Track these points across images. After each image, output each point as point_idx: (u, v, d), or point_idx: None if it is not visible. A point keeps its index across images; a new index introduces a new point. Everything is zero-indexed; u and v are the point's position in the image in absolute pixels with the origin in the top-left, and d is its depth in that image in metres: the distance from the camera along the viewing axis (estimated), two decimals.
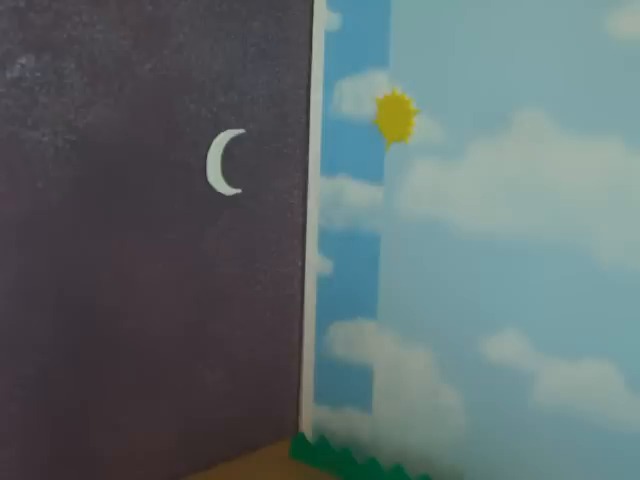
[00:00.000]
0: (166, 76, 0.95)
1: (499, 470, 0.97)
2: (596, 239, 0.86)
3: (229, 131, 1.02)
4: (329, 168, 1.10)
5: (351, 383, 1.11)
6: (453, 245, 0.98)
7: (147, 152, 0.95)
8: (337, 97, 1.08)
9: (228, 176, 1.04)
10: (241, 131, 1.04)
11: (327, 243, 1.12)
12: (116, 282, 0.94)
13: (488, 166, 0.94)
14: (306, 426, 1.17)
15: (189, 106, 0.98)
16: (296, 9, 1.07)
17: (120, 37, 0.90)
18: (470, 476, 1.00)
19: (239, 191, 1.05)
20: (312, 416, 1.16)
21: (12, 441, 0.88)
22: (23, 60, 0.83)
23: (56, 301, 0.89)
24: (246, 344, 1.10)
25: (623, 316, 0.85)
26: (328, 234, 1.11)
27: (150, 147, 0.95)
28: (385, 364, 1.07)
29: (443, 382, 1.01)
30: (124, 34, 0.90)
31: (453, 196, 0.97)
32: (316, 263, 1.13)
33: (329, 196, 1.10)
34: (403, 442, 1.06)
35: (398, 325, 1.05)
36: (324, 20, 1.08)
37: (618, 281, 0.85)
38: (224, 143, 1.02)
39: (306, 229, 1.14)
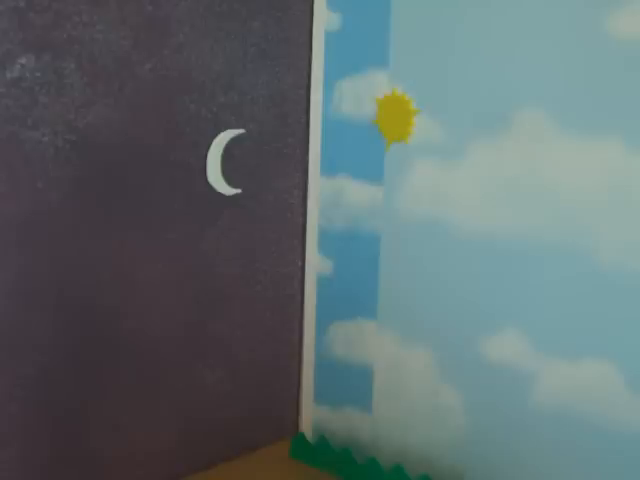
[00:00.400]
0: (166, 76, 0.95)
1: (499, 470, 0.97)
2: (596, 239, 0.86)
3: (229, 131, 1.02)
4: (329, 168, 1.10)
5: (351, 383, 1.11)
6: (453, 245, 0.98)
7: (147, 152, 0.95)
8: (337, 97, 1.08)
9: (228, 176, 1.04)
10: (241, 131, 1.04)
11: (327, 243, 1.12)
12: (116, 282, 0.94)
13: (488, 166, 0.94)
14: (306, 426, 1.17)
15: (189, 106, 0.98)
16: (296, 9, 1.07)
17: (120, 37, 0.90)
18: (470, 476, 1.00)
19: (239, 191, 1.05)
20: (312, 416, 1.16)
21: (12, 441, 0.88)
22: (23, 60, 0.83)
23: (56, 301, 0.89)
24: (246, 344, 1.10)
25: (623, 316, 0.85)
26: (328, 234, 1.11)
27: (150, 147, 0.95)
28: (385, 364, 1.07)
29: (443, 382, 1.01)
30: (124, 34, 0.90)
31: (453, 196, 0.97)
32: (316, 263, 1.13)
33: (329, 196, 1.10)
34: (403, 442, 1.06)
35: (398, 325, 1.05)
36: (324, 20, 1.08)
37: (618, 281, 0.85)
38: (224, 143, 1.02)
39: (306, 229, 1.14)
